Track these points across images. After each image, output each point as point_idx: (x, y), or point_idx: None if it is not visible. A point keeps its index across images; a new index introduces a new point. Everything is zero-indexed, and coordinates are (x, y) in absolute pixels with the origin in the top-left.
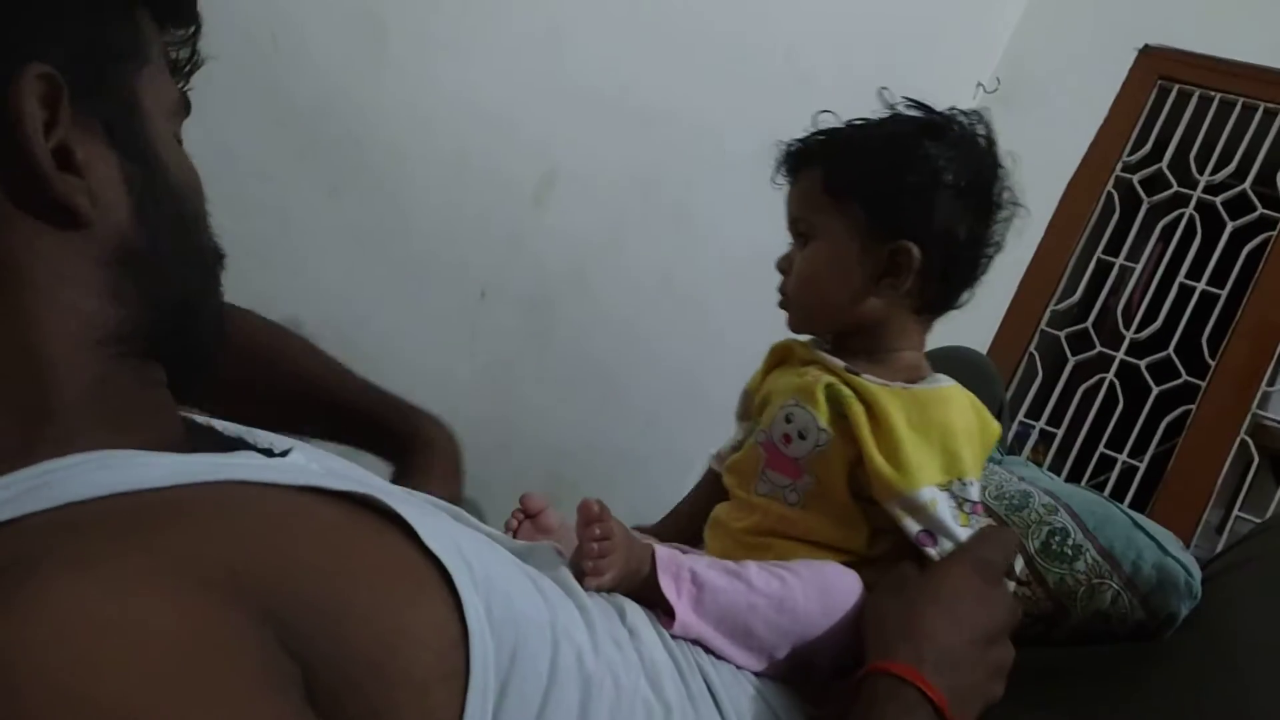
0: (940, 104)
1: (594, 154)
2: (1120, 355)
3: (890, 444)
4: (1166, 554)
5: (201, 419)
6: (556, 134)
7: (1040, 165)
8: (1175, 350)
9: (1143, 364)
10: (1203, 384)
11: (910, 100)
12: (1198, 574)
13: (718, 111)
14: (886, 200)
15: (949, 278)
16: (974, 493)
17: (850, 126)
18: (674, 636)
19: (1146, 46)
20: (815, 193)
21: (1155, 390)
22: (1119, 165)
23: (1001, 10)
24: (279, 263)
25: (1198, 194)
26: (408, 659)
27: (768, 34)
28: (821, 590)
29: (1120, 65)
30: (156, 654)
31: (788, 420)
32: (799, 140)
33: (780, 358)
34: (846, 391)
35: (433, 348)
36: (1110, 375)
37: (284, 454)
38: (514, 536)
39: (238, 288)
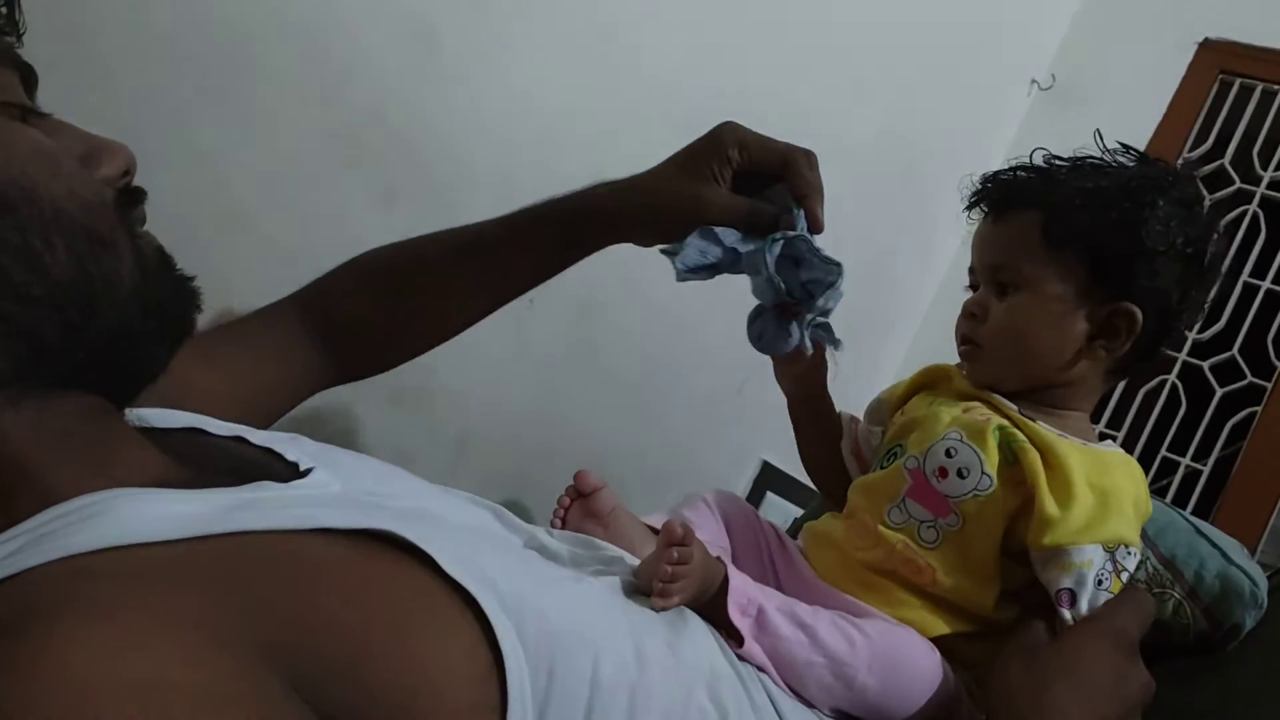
0: (993, 102)
1: (645, 155)
2: (1183, 356)
3: (1065, 495)
4: (1230, 563)
5: (229, 430)
6: (607, 135)
7: None
8: (1240, 351)
9: (1206, 365)
10: (1268, 385)
11: (1126, 147)
12: (1264, 583)
13: (769, 109)
14: (1116, 259)
15: (1157, 342)
16: (1132, 564)
17: (1072, 170)
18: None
19: (1207, 40)
20: (1030, 239)
21: (1219, 392)
22: (1180, 162)
23: (1056, 4)
24: (332, 267)
25: (1261, 190)
26: (434, 697)
27: (819, 32)
28: (889, 668)
29: (1180, 59)
30: (177, 711)
31: (949, 454)
32: (1008, 176)
33: (931, 380)
34: (1021, 437)
35: (484, 353)
36: (1172, 377)
37: (306, 473)
38: (563, 516)
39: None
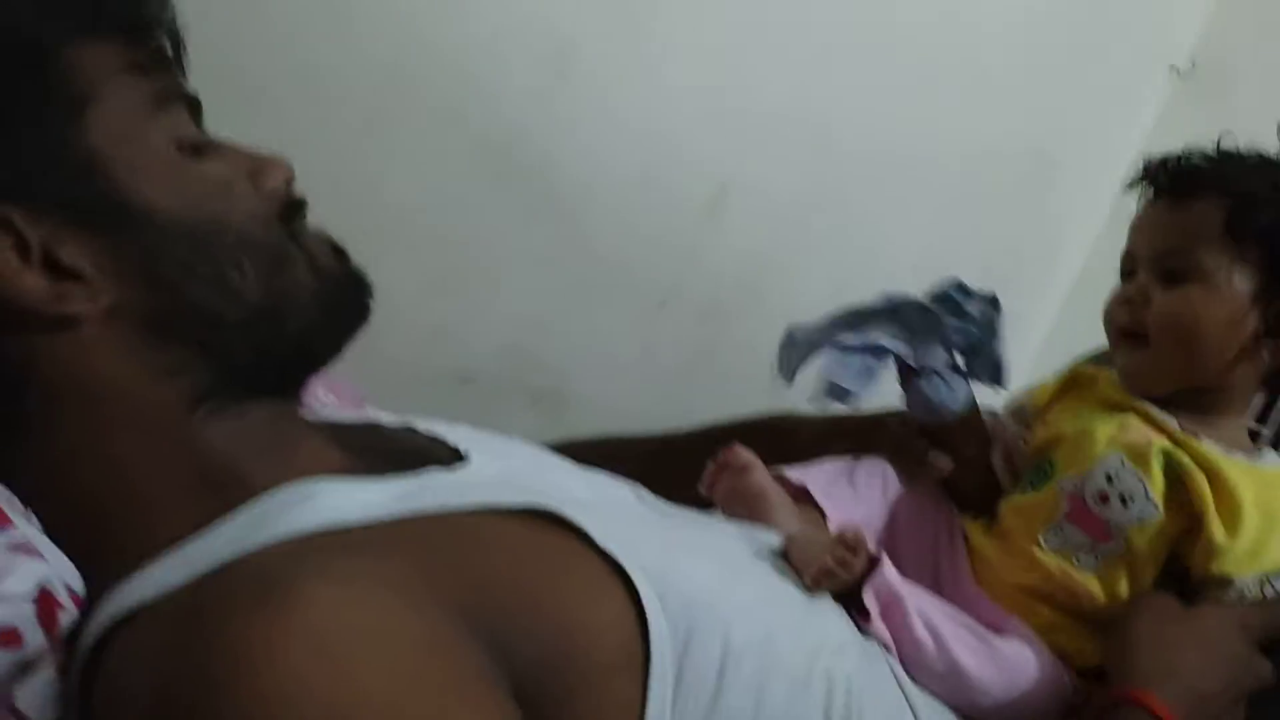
0: (1127, 92)
1: (767, 167)
2: None
3: (1233, 521)
4: None
5: (398, 420)
6: (729, 150)
7: None
8: None
9: None
10: None
11: None
12: None
13: (892, 119)
14: None
15: None
16: None
17: (1260, 161)
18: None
19: None
20: (1210, 228)
21: None
22: None
23: None
24: (477, 283)
25: None
26: (591, 649)
27: (944, 32)
28: (1010, 692)
29: None
30: (392, 651)
31: (1109, 480)
32: (1190, 160)
33: (1074, 383)
34: (1187, 461)
35: (616, 358)
36: None
37: (465, 457)
38: (710, 488)
39: (441, 311)
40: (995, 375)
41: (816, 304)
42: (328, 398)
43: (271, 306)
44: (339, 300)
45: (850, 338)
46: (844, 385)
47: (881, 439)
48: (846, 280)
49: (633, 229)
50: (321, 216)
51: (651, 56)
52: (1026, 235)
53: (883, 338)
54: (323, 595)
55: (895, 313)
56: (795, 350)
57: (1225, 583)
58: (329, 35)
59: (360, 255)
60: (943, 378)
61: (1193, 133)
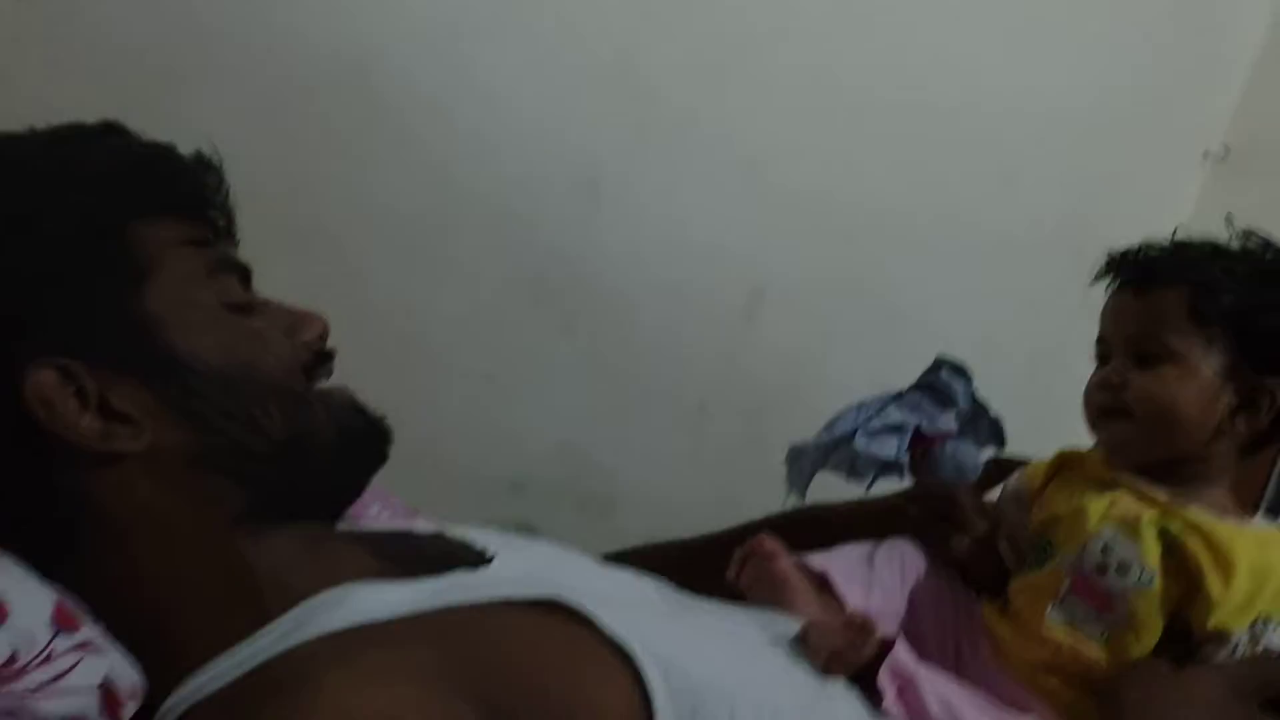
0: (1163, 177)
1: (800, 265)
2: None
3: (1228, 578)
4: None
5: (430, 528)
6: (762, 251)
7: None
8: None
9: None
10: None
11: (1252, 233)
12: None
13: (923, 209)
14: (1263, 338)
15: None
16: (1273, 639)
17: (1213, 250)
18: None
19: None
20: (1175, 314)
21: None
22: None
23: (1226, 70)
24: (526, 396)
25: None
26: None
27: (973, 125)
28: None
29: None
30: None
31: (1104, 552)
32: (1148, 252)
33: (1064, 465)
34: (1180, 527)
35: (660, 460)
36: None
37: (490, 559)
38: (738, 575)
39: (492, 422)
40: (998, 437)
41: (857, 396)
42: (381, 513)
43: (295, 443)
44: (355, 442)
45: (872, 424)
46: (891, 459)
47: (902, 522)
48: (884, 371)
49: (672, 336)
50: (381, 339)
51: (678, 173)
52: (1070, 321)
53: (900, 415)
54: (346, 683)
55: (898, 399)
56: (803, 463)
57: (1224, 637)
58: (386, 185)
59: (416, 375)
60: (961, 440)
61: (1234, 215)
